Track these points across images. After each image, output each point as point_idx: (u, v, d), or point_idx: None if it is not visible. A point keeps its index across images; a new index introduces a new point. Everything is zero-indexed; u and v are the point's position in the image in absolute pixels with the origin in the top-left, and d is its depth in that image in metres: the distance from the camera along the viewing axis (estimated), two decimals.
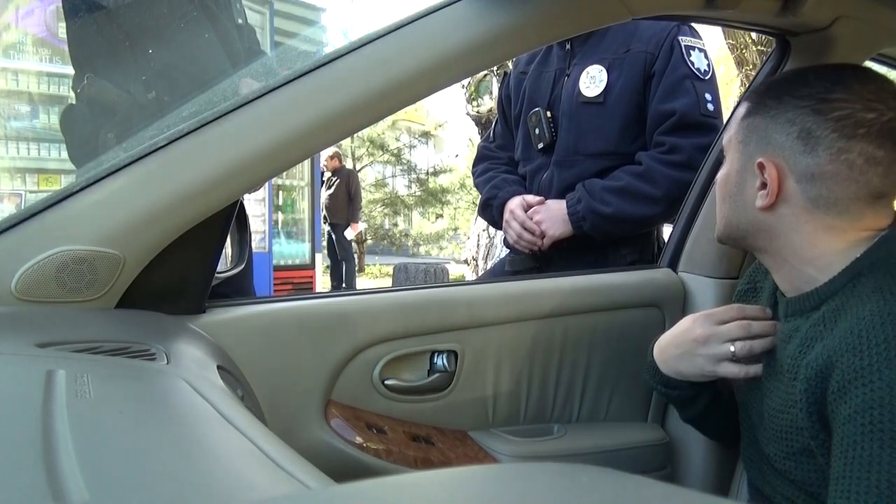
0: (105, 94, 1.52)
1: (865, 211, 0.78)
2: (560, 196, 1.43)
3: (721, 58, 6.58)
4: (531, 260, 1.49)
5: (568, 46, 1.47)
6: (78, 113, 1.59)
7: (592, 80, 1.42)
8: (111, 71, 1.55)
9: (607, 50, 1.43)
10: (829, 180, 0.77)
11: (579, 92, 1.43)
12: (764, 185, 0.81)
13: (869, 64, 1.18)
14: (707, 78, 1.40)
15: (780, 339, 0.85)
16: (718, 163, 1.22)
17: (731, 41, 5.77)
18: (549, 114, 1.46)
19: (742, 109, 0.87)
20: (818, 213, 0.79)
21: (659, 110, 1.39)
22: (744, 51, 5.74)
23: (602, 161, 1.42)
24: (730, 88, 6.66)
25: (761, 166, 0.81)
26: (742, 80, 5.73)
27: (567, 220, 1.40)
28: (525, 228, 1.43)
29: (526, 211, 1.44)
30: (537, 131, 1.47)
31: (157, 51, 1.55)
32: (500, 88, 1.68)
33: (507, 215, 1.47)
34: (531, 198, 1.45)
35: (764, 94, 0.85)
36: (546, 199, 1.45)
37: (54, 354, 0.58)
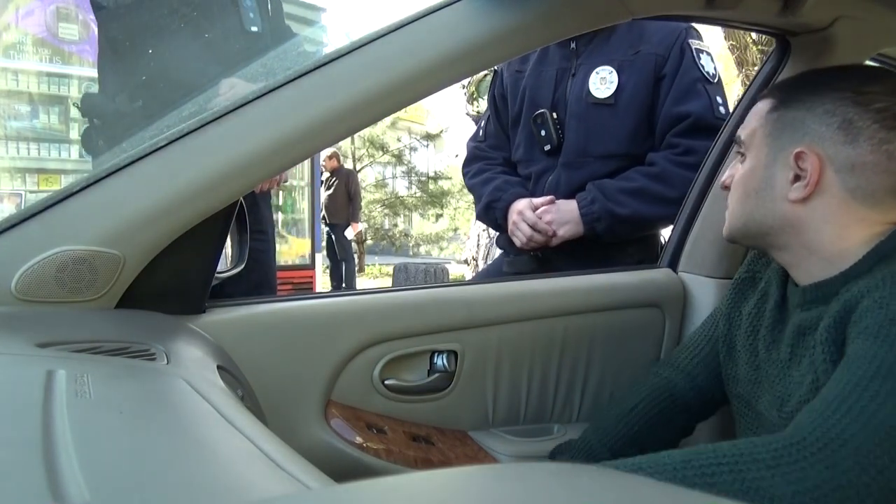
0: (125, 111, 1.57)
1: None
2: (568, 198, 1.42)
3: (721, 58, 6.58)
4: (533, 262, 1.47)
5: (572, 45, 1.45)
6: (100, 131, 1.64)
7: (603, 81, 1.40)
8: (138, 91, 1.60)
9: (615, 51, 1.42)
10: (870, 171, 0.78)
11: (589, 93, 1.41)
12: (797, 178, 0.81)
13: (868, 64, 1.18)
14: (715, 81, 1.41)
15: (798, 330, 0.83)
16: (718, 163, 1.23)
17: (731, 42, 5.78)
18: (554, 115, 1.44)
19: (765, 105, 0.86)
20: (854, 205, 0.79)
21: (672, 112, 1.38)
22: (744, 51, 5.74)
23: (612, 163, 1.42)
24: (730, 89, 6.66)
25: (799, 157, 0.80)
26: (742, 81, 5.73)
27: (579, 221, 1.39)
28: (536, 230, 1.40)
29: (534, 211, 1.42)
30: (543, 133, 1.45)
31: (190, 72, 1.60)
32: (490, 86, 1.63)
33: (514, 217, 1.44)
34: (538, 200, 1.42)
35: (795, 88, 0.84)
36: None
37: (54, 354, 0.58)
